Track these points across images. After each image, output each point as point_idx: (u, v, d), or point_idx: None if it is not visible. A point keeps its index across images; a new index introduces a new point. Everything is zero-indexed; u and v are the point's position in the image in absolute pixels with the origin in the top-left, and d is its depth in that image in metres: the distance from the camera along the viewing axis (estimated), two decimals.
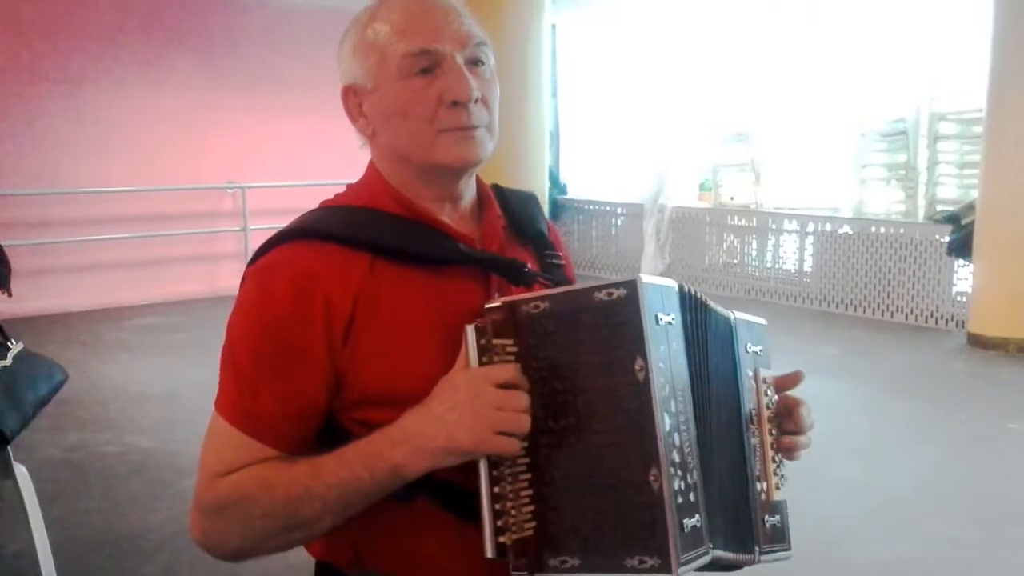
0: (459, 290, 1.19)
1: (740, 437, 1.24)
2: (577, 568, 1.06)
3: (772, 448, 1.28)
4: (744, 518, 1.22)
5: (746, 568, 1.21)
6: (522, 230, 1.32)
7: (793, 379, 1.34)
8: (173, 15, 8.57)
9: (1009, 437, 4.93)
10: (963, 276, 7.30)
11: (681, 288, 1.13)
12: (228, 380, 1.15)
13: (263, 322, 1.14)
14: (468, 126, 1.18)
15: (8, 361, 2.65)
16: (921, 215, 8.25)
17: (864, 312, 7.92)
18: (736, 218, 9.11)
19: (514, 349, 1.09)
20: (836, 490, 4.08)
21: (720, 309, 1.24)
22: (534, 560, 1.07)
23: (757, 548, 1.22)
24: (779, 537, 1.28)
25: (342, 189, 1.29)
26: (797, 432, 1.31)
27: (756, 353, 1.31)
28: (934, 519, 3.88)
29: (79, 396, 5.29)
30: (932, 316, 7.51)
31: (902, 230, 7.78)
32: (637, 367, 1.03)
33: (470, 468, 1.08)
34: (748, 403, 1.26)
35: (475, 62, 1.20)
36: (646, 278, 1.06)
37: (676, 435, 1.05)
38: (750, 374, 1.28)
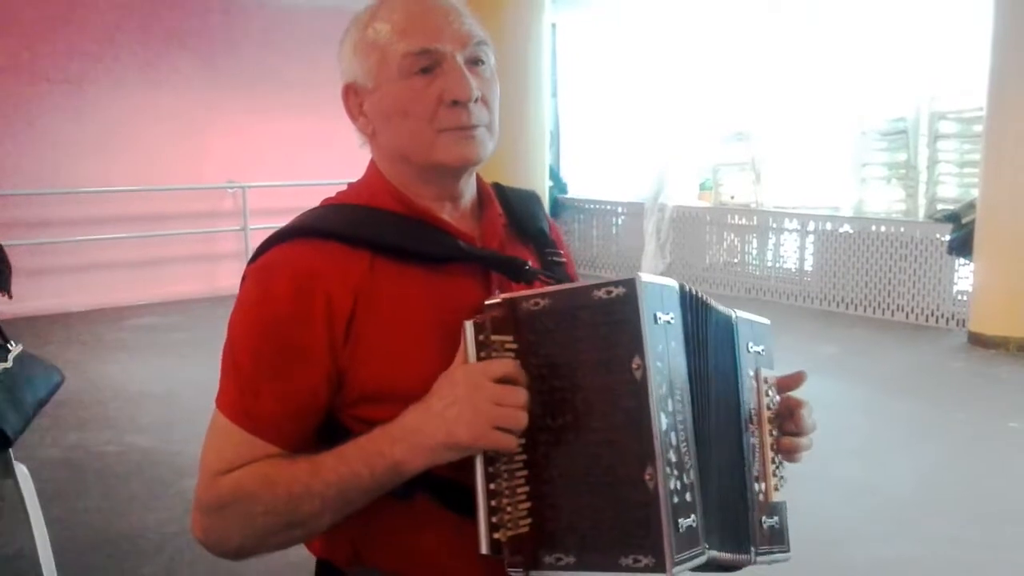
0: (459, 288, 1.19)
1: (739, 437, 1.23)
2: (572, 566, 1.05)
3: (772, 449, 1.27)
4: (742, 519, 1.21)
5: (746, 569, 1.20)
6: (523, 228, 1.32)
7: (795, 379, 1.32)
8: (173, 15, 8.57)
9: (1009, 436, 4.93)
10: (963, 275, 7.30)
11: (682, 287, 1.12)
12: (229, 378, 1.15)
13: (263, 321, 1.14)
14: (468, 125, 1.18)
15: (9, 363, 2.65)
16: (921, 214, 8.26)
17: (864, 311, 7.91)
18: (736, 217, 9.11)
19: (513, 346, 1.09)
20: (836, 490, 4.08)
21: (722, 308, 1.24)
22: (529, 557, 1.07)
23: (754, 549, 1.21)
24: (777, 539, 1.27)
25: (342, 188, 1.29)
26: (798, 433, 1.30)
27: (758, 353, 1.30)
28: (934, 519, 3.88)
29: (79, 396, 5.29)
30: (932, 315, 7.51)
31: (902, 229, 7.77)
32: (634, 366, 1.03)
33: (469, 465, 1.08)
34: (748, 403, 1.25)
35: (475, 61, 1.20)
36: (645, 277, 1.05)
37: (673, 434, 1.04)
38: (751, 374, 1.27)
